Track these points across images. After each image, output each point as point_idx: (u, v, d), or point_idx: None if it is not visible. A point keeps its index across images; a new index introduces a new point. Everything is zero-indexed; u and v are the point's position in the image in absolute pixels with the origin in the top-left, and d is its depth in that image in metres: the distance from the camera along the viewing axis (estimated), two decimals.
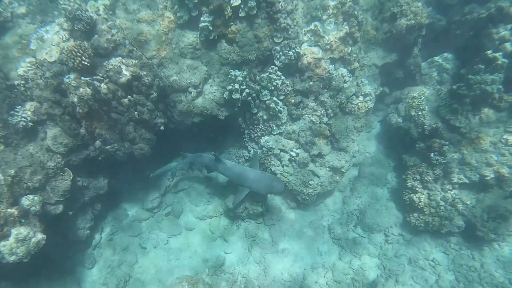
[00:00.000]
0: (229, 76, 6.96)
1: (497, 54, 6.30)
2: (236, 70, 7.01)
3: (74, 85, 5.86)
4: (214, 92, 7.33)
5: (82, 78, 6.01)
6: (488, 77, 6.38)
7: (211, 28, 6.71)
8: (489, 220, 7.13)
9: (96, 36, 6.20)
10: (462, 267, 7.48)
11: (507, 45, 6.33)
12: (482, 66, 6.53)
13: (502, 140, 6.84)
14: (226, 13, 6.59)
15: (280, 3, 6.54)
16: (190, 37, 6.93)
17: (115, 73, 6.22)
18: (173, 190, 8.60)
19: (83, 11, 6.03)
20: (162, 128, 7.32)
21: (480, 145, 6.88)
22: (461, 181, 7.10)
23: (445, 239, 7.77)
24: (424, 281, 7.47)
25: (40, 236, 5.49)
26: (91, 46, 6.06)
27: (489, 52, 6.39)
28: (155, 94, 6.86)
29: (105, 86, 6.20)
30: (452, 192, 7.26)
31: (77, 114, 6.06)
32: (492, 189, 7.08)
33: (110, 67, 6.20)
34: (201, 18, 6.63)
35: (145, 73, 6.61)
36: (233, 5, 6.51)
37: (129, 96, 6.58)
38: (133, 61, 6.46)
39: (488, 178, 6.87)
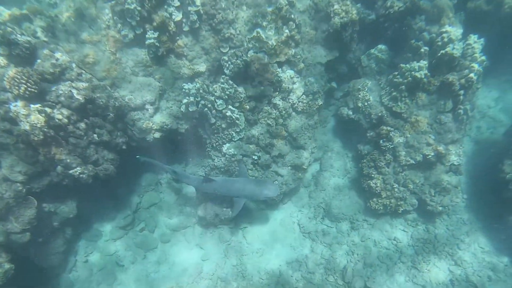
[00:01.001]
0: (183, 89, 7.23)
1: (419, 43, 6.94)
2: (189, 83, 7.29)
3: (23, 113, 5.89)
4: (171, 107, 7.57)
5: (32, 105, 6.03)
6: (415, 65, 6.99)
7: (158, 45, 6.95)
8: (435, 194, 7.76)
9: (39, 61, 6.19)
10: (419, 241, 8.09)
11: (425, 34, 6.99)
12: (410, 55, 7.17)
13: (437, 120, 7.49)
14: (170, 28, 6.86)
15: (220, 14, 6.89)
16: (139, 55, 7.15)
17: (67, 98, 6.31)
18: (145, 205, 8.70)
19: (18, 35, 5.90)
20: (124, 147, 7.48)
21: (419, 128, 7.50)
22: (409, 163, 7.67)
23: (403, 217, 8.36)
24: (389, 259, 7.99)
25: (7, 266, 5.49)
26: (36, 72, 6.01)
27: (413, 41, 7.03)
28: (112, 115, 7.01)
29: (59, 112, 6.29)
30: (403, 174, 7.83)
31: (32, 141, 6.07)
32: (434, 166, 7.72)
33: (61, 92, 6.25)
34: (147, 35, 6.86)
35: (98, 95, 6.75)
36: (175, 20, 6.79)
37: (85, 120, 6.71)
38: (84, 84, 6.57)
39: (430, 156, 7.49)
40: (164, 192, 8.74)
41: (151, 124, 7.49)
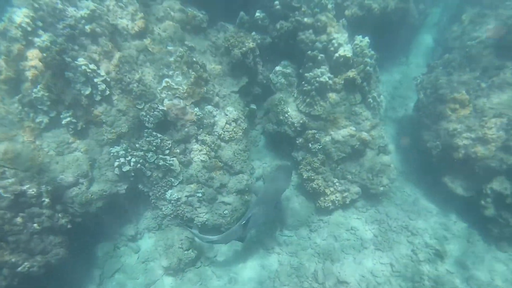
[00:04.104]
0: (111, 154, 7.40)
1: (315, 52, 7.58)
2: (116, 146, 7.48)
3: None
4: (105, 173, 7.66)
5: None
6: (318, 71, 7.61)
7: (75, 121, 7.12)
8: (373, 177, 8.36)
9: None
10: (374, 224, 8.62)
11: (317, 44, 7.66)
12: (311, 64, 7.78)
13: (352, 113, 8.12)
14: (82, 103, 7.06)
15: (127, 76, 7.18)
16: (60, 135, 7.25)
17: None
18: (108, 275, 8.64)
19: None
20: (69, 226, 7.46)
21: (339, 124, 8.09)
22: (340, 157, 8.24)
23: (353, 207, 8.88)
24: (353, 249, 8.44)
25: None
26: None
27: (309, 52, 7.66)
28: (47, 200, 6.99)
29: None
30: (338, 168, 8.36)
31: None
32: (364, 152, 8.33)
33: None
34: (62, 116, 7.03)
35: (27, 186, 6.75)
36: (85, 94, 7.00)
37: (21, 213, 6.69)
38: (9, 180, 6.57)
39: (357, 146, 8.08)
40: (124, 255, 8.72)
41: (90, 195, 7.55)
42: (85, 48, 6.86)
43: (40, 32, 6.75)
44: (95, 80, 6.96)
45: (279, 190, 7.33)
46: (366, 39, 7.88)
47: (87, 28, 6.75)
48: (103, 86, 7.08)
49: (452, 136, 7.66)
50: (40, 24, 6.73)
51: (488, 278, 7.63)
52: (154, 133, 7.61)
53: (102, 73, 6.98)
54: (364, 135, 8.11)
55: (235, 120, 8.13)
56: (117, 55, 7.01)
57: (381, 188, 8.46)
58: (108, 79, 7.14)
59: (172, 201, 8.06)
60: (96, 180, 7.67)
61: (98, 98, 7.18)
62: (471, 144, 7.47)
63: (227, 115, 8.09)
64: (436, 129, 8.05)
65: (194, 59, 7.54)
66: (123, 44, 7.23)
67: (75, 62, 6.64)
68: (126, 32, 7.21)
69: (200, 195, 8.07)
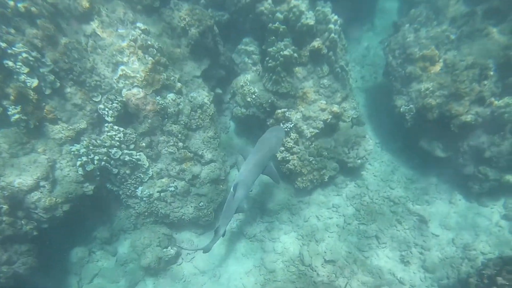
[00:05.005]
0: (72, 152, 6.93)
1: (276, 24, 7.26)
2: (75, 144, 7.01)
3: None
4: (68, 174, 7.18)
5: None
6: (281, 45, 7.29)
7: (25, 118, 6.56)
8: (349, 151, 8.11)
9: None
10: (355, 198, 8.39)
11: (278, 14, 7.33)
12: (274, 37, 7.46)
13: (321, 85, 7.85)
14: (31, 97, 6.50)
15: (77, 65, 6.70)
16: (10, 135, 6.69)
17: None
18: (86, 281, 8.18)
19: None
20: (35, 233, 6.98)
21: (309, 98, 7.81)
22: (314, 133, 7.94)
23: (332, 184, 8.63)
24: (336, 226, 8.22)
25: None
26: None
27: (270, 25, 7.34)
28: (5, 206, 6.52)
29: None
30: (313, 146, 8.08)
31: None
32: (338, 126, 8.08)
33: None
34: (9, 112, 6.43)
35: None
36: (33, 86, 6.45)
37: None
38: None
39: (329, 119, 7.81)
40: (101, 259, 8.27)
41: (54, 199, 7.06)
42: (23, 32, 6.24)
43: None
44: (41, 70, 6.42)
45: (267, 152, 6.52)
46: (328, 4, 7.60)
47: (21, 6, 6.07)
48: (52, 77, 6.55)
49: (425, 96, 7.44)
50: None
51: (473, 235, 7.50)
52: (116, 127, 7.18)
53: (48, 62, 6.45)
54: (336, 107, 7.85)
55: (200, 107, 7.76)
56: (63, 40, 6.49)
57: (359, 161, 8.23)
58: (57, 69, 6.61)
59: (144, 198, 7.67)
60: (59, 182, 7.18)
61: (48, 91, 6.65)
62: (445, 102, 7.25)
63: (191, 101, 7.70)
64: (408, 92, 7.83)
65: (149, 43, 7.13)
66: (67, 27, 6.71)
67: (13, 48, 6.08)
68: (69, 14, 6.69)
69: (172, 189, 7.70)
